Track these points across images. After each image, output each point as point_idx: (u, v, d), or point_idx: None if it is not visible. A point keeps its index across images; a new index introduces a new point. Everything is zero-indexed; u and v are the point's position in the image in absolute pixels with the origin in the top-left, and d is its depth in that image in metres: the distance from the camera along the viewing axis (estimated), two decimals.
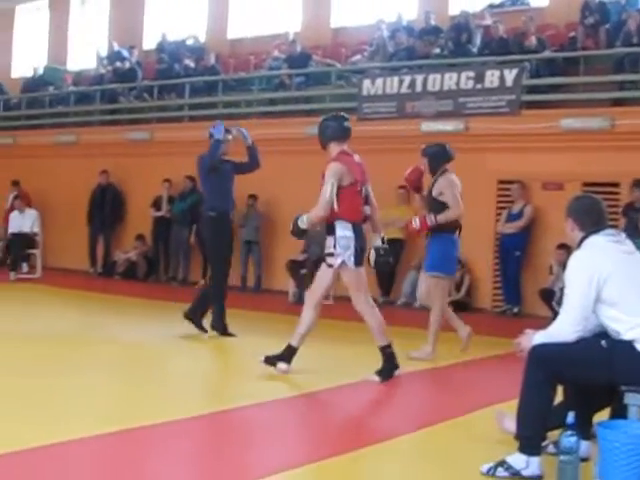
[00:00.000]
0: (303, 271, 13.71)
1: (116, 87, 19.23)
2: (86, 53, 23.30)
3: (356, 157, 7.68)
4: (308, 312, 7.61)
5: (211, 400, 6.84)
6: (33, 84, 21.84)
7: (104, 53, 21.61)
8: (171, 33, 20.63)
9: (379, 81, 14.73)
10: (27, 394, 6.41)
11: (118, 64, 19.81)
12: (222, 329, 9.71)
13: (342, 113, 7.98)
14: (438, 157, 8.95)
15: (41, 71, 22.53)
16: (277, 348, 7.65)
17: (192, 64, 18.52)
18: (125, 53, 20.39)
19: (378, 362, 7.54)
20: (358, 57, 16.89)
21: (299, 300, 13.44)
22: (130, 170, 17.58)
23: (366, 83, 14.85)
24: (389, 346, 7.58)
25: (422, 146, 9.19)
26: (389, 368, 7.58)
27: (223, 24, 20.54)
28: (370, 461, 5.18)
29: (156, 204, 16.79)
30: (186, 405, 6.35)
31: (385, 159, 14.36)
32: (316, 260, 13.62)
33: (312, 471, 4.90)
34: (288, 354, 7.59)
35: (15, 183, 19.27)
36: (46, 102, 20.73)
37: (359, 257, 7.49)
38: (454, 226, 8.82)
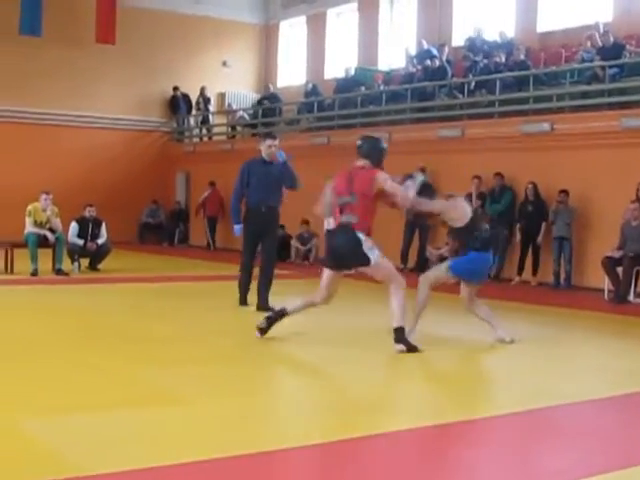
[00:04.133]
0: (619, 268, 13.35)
1: (426, 85, 19.56)
2: (396, 53, 23.87)
3: None
4: None
5: (528, 397, 6.84)
6: (345, 85, 22.64)
7: (413, 52, 22.05)
8: (480, 29, 20.72)
9: None
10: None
11: (428, 62, 20.14)
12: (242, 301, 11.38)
13: None
14: None
15: (353, 72, 23.33)
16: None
17: (502, 59, 18.50)
18: (434, 51, 20.69)
19: None
20: None
21: (616, 298, 13.15)
22: (441, 167, 17.79)
23: None
24: None
25: None
26: None
27: (532, 18, 20.37)
28: None
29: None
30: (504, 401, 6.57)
31: None
32: (634, 257, 13.29)
33: None
34: None
35: (212, 184, 23.36)
36: (358, 102, 21.37)
37: None
38: None
